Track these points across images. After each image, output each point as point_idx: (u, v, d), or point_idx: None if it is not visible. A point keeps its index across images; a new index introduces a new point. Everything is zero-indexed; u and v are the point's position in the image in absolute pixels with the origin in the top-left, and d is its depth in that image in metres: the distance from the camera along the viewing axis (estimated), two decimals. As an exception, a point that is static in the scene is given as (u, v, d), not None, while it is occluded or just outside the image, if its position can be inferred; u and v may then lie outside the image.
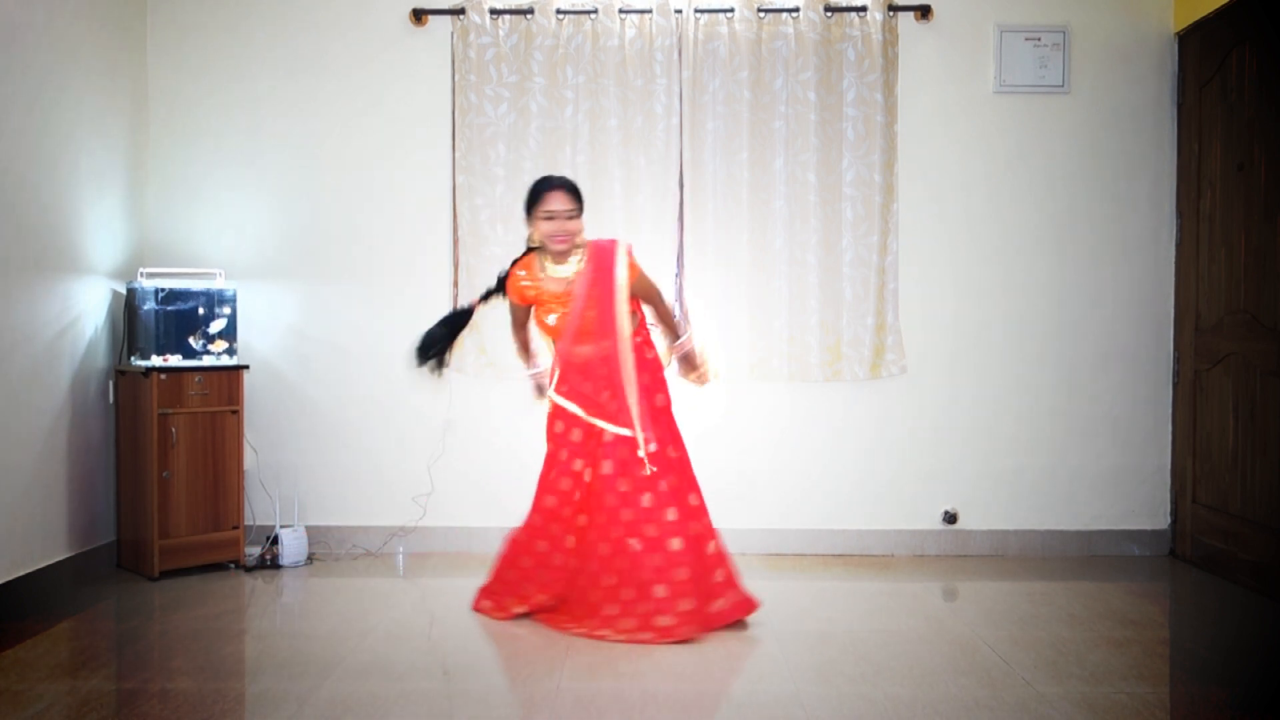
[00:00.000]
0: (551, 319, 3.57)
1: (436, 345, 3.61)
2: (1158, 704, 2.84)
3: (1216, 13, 4.27)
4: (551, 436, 3.63)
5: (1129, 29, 4.58)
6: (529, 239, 3.57)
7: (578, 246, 3.50)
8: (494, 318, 4.54)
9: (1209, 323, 4.35)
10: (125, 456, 4.25)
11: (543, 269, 3.54)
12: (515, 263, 3.60)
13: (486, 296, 3.65)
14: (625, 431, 3.47)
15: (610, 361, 3.50)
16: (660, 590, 3.33)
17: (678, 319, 3.72)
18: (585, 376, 3.56)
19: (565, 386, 3.59)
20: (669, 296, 3.70)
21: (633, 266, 3.52)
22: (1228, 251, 4.22)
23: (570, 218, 3.45)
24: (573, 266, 3.50)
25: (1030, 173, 4.60)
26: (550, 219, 3.44)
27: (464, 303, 3.83)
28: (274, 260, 4.64)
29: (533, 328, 3.73)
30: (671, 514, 3.40)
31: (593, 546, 3.48)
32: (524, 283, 3.57)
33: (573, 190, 3.50)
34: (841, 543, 4.61)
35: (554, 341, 3.63)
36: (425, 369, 3.62)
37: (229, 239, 4.63)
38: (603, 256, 3.50)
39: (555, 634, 3.43)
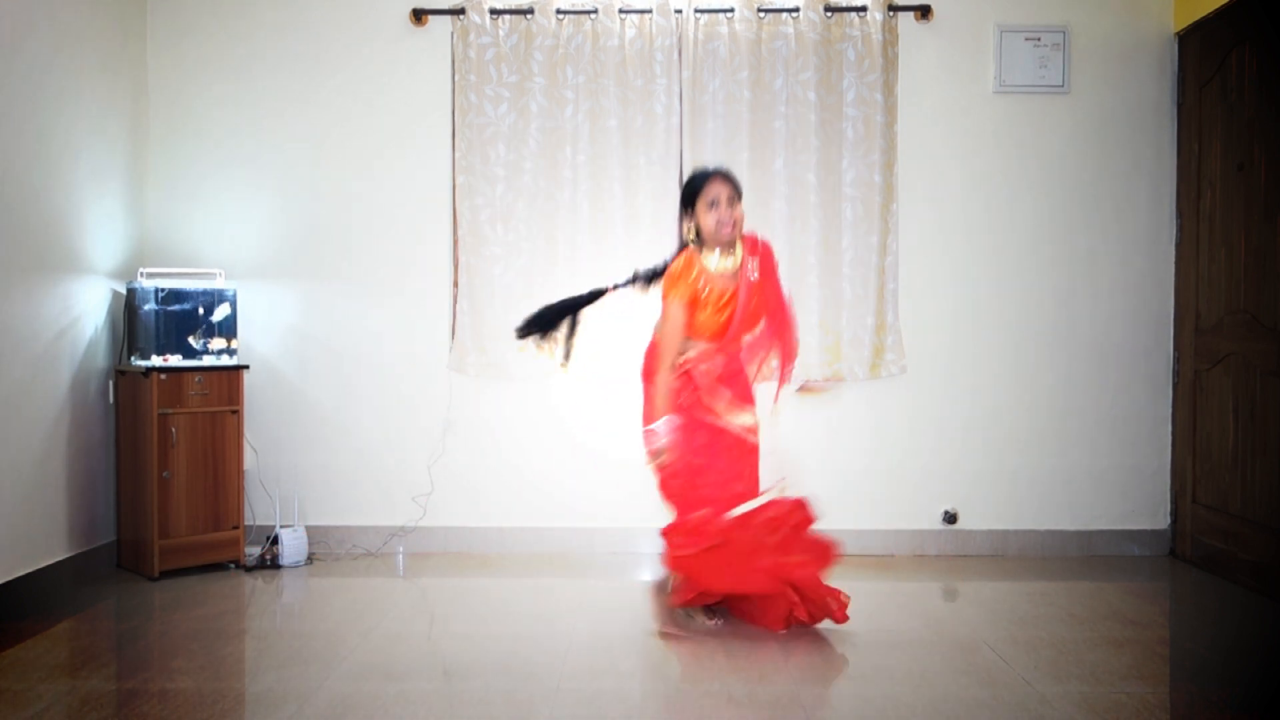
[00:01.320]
0: (706, 318, 3.43)
1: (541, 322, 3.61)
2: (1158, 704, 2.85)
3: (1216, 13, 4.27)
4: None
5: (1129, 29, 4.58)
6: (684, 234, 3.50)
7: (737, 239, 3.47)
8: (492, 317, 4.55)
9: (1209, 323, 4.35)
10: (125, 456, 4.25)
11: (706, 264, 3.44)
12: (671, 262, 3.48)
13: (628, 282, 3.61)
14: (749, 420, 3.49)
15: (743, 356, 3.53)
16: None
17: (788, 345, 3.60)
18: (726, 381, 3.51)
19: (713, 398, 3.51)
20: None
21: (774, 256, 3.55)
22: (1228, 251, 4.22)
23: (731, 203, 3.40)
24: (734, 259, 3.45)
25: (1030, 173, 4.60)
26: (714, 207, 3.38)
27: (590, 288, 3.70)
28: (274, 260, 4.64)
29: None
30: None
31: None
32: (699, 282, 3.42)
33: (730, 177, 3.46)
34: (841, 543, 4.60)
35: (701, 343, 3.47)
36: (526, 341, 3.67)
37: (229, 239, 4.63)
38: (768, 252, 3.50)
39: (555, 634, 3.43)
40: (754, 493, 3.46)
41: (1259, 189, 4.01)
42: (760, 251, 3.51)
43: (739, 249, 3.47)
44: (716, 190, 3.39)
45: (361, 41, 4.63)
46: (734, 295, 3.44)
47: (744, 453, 3.52)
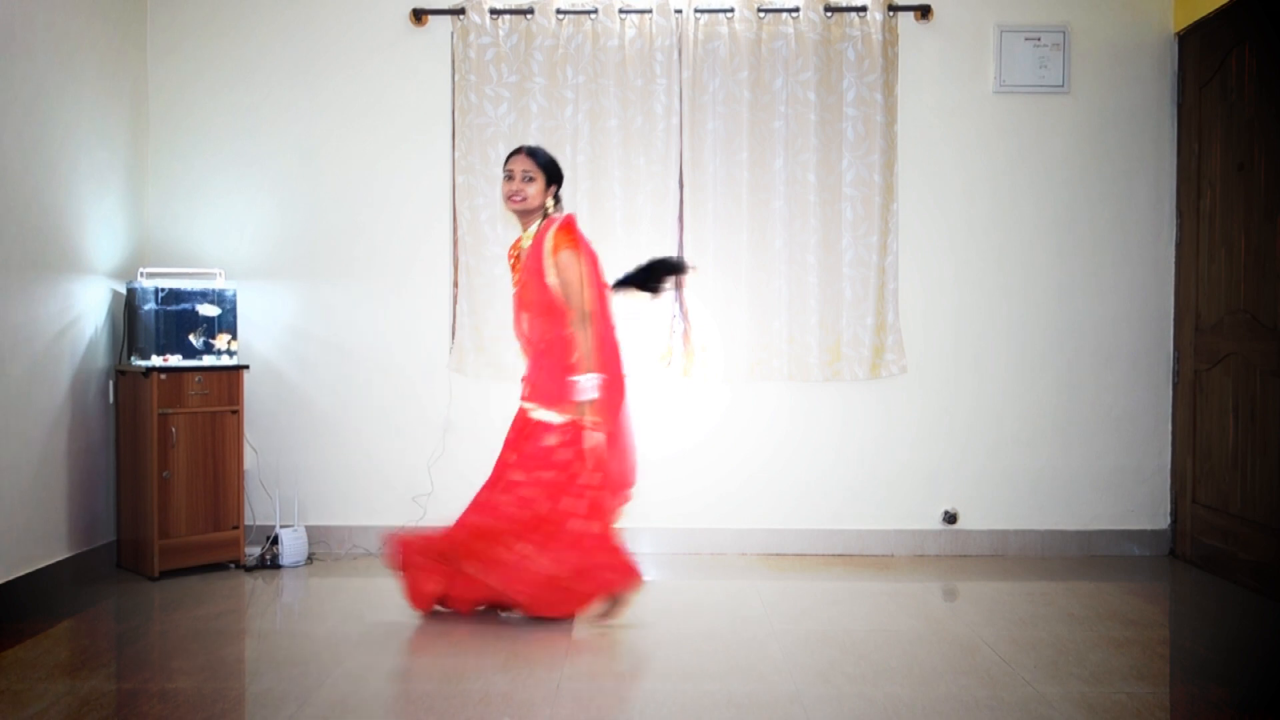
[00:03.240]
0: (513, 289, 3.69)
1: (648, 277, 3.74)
2: (1158, 704, 2.85)
3: (1216, 13, 4.27)
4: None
5: (1129, 29, 4.58)
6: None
7: (532, 213, 3.61)
8: (492, 317, 4.56)
9: (1209, 323, 4.35)
10: (125, 456, 4.25)
11: (523, 235, 3.67)
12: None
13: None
14: (549, 416, 3.51)
15: (537, 341, 3.59)
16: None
17: (585, 353, 3.50)
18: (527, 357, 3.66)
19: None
20: (590, 323, 3.53)
21: (559, 243, 3.51)
22: (1228, 251, 4.22)
23: (525, 179, 3.57)
24: (530, 237, 3.62)
25: (1030, 173, 4.60)
26: (508, 179, 3.60)
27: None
28: (274, 260, 4.64)
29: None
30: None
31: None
32: (511, 251, 3.71)
33: (535, 155, 3.60)
34: (841, 543, 4.61)
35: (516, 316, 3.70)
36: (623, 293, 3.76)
37: (229, 239, 4.63)
38: (544, 228, 3.59)
39: (555, 634, 3.43)
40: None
41: (1259, 189, 4.01)
42: (542, 226, 3.60)
43: (534, 229, 3.61)
44: (511, 166, 3.59)
45: (361, 41, 4.63)
46: (519, 271, 3.63)
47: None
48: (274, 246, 4.64)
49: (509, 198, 3.59)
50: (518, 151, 3.62)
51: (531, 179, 3.57)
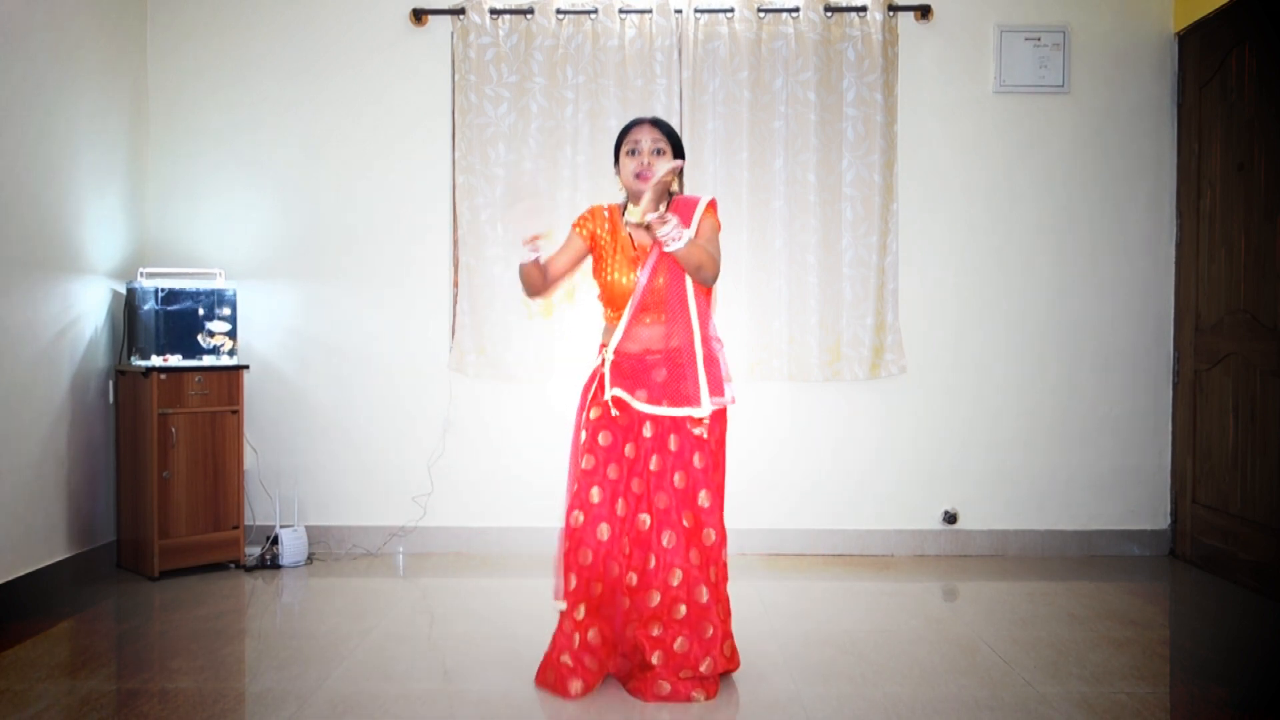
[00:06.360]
0: (621, 278, 3.01)
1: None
2: (1158, 704, 2.85)
3: (1216, 13, 4.27)
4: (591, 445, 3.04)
5: (1129, 29, 4.58)
6: (620, 188, 3.10)
7: (669, 193, 3.04)
8: (492, 317, 4.56)
9: (1209, 323, 4.35)
10: (125, 456, 4.25)
11: (627, 216, 2.97)
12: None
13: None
14: (680, 411, 3.00)
15: (672, 336, 3.01)
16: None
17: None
18: (639, 363, 3.02)
19: (616, 378, 3.02)
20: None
21: (709, 216, 3.02)
22: (1228, 251, 4.22)
23: (655, 153, 2.97)
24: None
25: (1030, 173, 4.60)
26: (632, 153, 2.99)
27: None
28: (274, 260, 4.64)
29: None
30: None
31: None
32: (604, 213, 3.10)
33: (661, 125, 3.03)
34: (841, 543, 4.61)
35: (613, 310, 3.05)
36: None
37: (229, 239, 4.63)
38: (686, 208, 3.01)
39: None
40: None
41: (1259, 189, 4.01)
42: (676, 206, 3.01)
43: (665, 205, 2.98)
44: (637, 136, 3.01)
45: (361, 41, 4.63)
46: (643, 255, 3.01)
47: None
48: (274, 246, 4.64)
49: (638, 175, 2.95)
50: (640, 123, 3.02)
51: (661, 151, 2.97)
